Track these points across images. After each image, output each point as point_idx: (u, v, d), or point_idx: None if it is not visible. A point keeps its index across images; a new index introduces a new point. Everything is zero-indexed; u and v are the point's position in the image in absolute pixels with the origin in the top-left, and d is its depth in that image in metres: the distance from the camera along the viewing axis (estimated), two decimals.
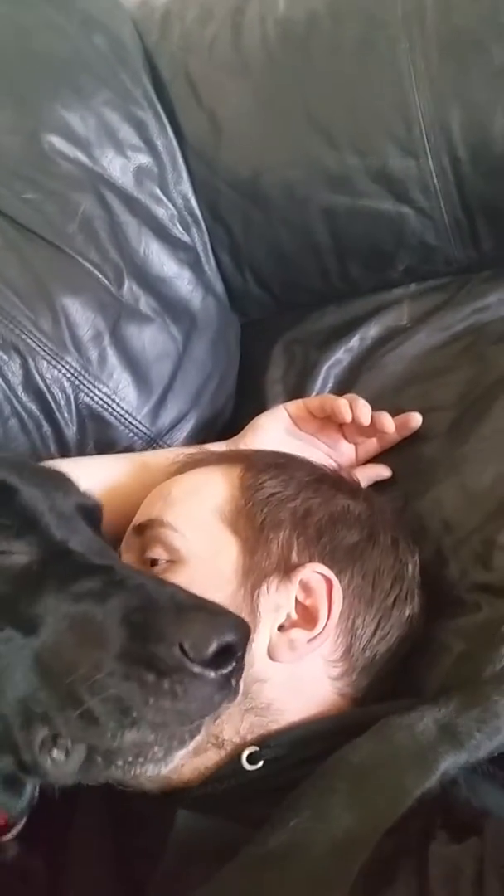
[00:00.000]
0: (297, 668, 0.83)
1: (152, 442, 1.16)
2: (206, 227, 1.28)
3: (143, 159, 1.23)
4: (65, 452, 1.10)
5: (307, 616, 0.84)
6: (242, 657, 0.67)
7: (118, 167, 1.20)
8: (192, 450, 1.07)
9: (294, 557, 0.86)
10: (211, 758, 0.79)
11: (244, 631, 0.68)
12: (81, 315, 1.11)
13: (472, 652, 0.86)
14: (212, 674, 0.63)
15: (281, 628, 0.83)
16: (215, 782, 0.78)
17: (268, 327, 1.34)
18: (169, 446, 1.17)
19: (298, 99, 1.19)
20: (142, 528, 0.90)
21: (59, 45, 1.21)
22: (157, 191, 1.24)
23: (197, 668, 0.62)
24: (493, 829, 0.68)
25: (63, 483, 0.80)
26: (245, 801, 0.76)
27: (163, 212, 1.24)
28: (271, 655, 0.82)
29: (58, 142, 1.16)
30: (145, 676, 0.62)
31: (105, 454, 1.12)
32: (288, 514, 0.88)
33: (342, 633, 0.86)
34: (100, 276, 1.14)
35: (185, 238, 1.26)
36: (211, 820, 0.75)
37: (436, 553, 0.98)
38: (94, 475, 0.98)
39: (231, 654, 0.65)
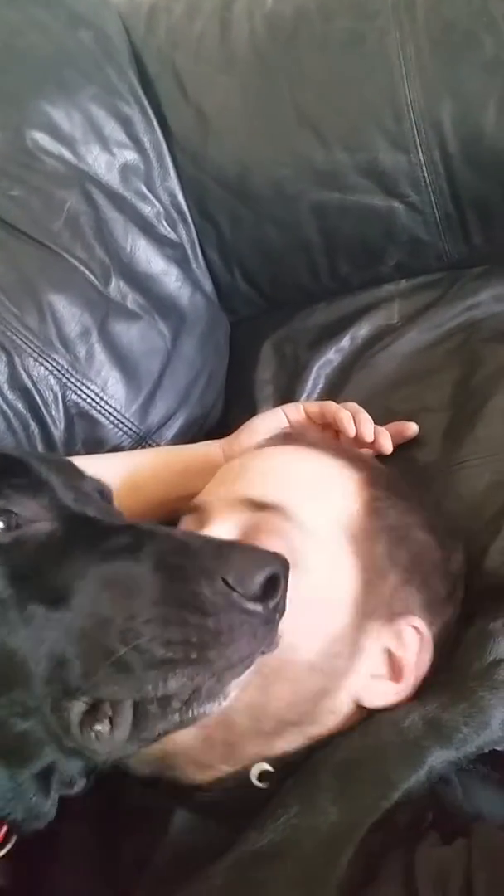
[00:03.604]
0: None
1: (141, 440, 1.14)
2: (194, 224, 1.26)
3: (130, 156, 1.21)
4: (52, 452, 1.07)
5: (393, 666, 0.79)
6: (285, 591, 0.64)
7: (104, 164, 1.19)
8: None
9: (399, 603, 0.80)
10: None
11: (286, 563, 0.65)
12: (68, 312, 1.09)
13: (461, 650, 0.84)
14: (259, 607, 0.61)
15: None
16: (221, 791, 0.75)
17: (257, 325, 1.32)
18: (158, 444, 1.15)
19: (286, 94, 1.18)
20: (262, 507, 0.80)
21: (44, 42, 1.20)
22: (143, 188, 1.22)
23: (246, 603, 0.60)
24: (481, 834, 0.66)
25: (71, 466, 0.76)
26: (247, 812, 0.72)
27: (149, 209, 1.22)
28: (358, 699, 0.78)
29: (42, 138, 1.15)
30: (189, 617, 0.59)
31: (94, 453, 1.09)
32: (405, 553, 0.82)
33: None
34: (86, 272, 1.13)
35: (172, 235, 1.24)
36: (208, 824, 0.73)
37: None
38: (135, 463, 1.01)
39: (276, 587, 0.62)
